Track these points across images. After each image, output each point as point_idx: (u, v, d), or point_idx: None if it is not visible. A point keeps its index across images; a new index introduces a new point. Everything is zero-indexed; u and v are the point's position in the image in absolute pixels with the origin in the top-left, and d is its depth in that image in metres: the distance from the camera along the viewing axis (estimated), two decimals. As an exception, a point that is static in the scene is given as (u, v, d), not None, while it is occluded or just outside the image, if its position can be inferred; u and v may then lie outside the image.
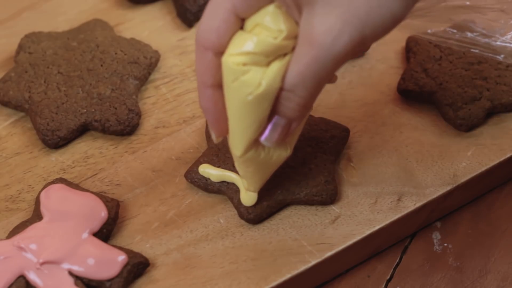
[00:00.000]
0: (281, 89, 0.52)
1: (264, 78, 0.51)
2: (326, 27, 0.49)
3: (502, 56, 0.65)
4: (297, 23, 0.52)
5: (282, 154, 0.57)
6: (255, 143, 0.55)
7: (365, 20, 0.50)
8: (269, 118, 0.54)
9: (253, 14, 0.52)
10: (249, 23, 0.53)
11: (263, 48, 0.51)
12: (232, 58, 0.52)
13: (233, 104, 0.53)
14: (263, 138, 0.54)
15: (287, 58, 0.52)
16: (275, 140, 0.54)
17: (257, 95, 0.52)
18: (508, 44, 0.65)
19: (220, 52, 0.53)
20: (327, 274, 0.62)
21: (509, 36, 0.65)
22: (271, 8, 0.52)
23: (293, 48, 0.52)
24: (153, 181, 0.65)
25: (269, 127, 0.54)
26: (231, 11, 0.52)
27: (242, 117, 0.53)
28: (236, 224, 0.62)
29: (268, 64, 0.52)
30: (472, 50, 0.65)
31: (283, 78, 0.52)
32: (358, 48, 0.51)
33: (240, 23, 0.53)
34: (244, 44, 0.52)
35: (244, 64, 0.51)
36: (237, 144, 0.55)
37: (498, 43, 0.65)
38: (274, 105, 0.53)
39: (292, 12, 0.52)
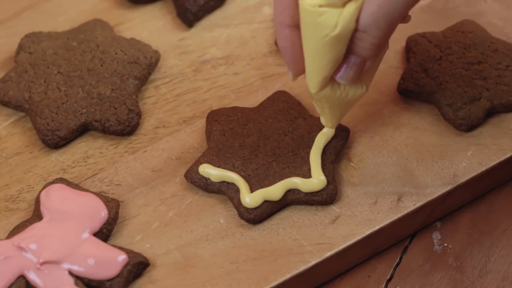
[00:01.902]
0: (355, 29, 0.53)
1: (339, 19, 0.53)
2: None
3: None
4: None
5: (358, 91, 0.59)
6: (330, 80, 0.57)
7: None
8: (344, 57, 0.55)
9: None
10: None
11: None
12: (308, 0, 0.53)
13: (309, 44, 0.55)
14: (338, 76, 0.56)
15: (360, 0, 0.53)
16: (350, 78, 0.56)
17: (333, 36, 0.53)
18: None
19: None
20: (327, 274, 0.62)
21: None
22: None
23: None
24: (153, 181, 0.65)
25: (344, 65, 0.56)
26: None
27: (318, 56, 0.55)
28: (236, 224, 0.62)
29: (343, 5, 0.53)
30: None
31: (357, 18, 0.53)
32: None
33: None
34: None
35: (320, 6, 0.53)
36: (313, 81, 0.57)
37: None
38: (348, 45, 0.54)
39: None
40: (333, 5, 0.53)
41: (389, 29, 0.54)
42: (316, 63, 0.55)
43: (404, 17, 0.54)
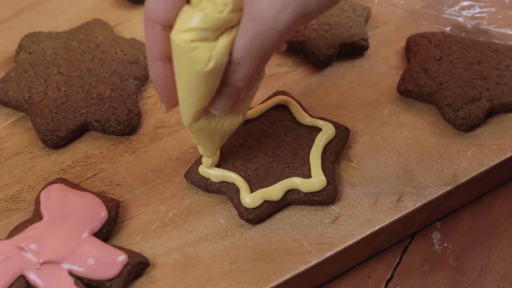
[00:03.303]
0: (228, 61, 0.53)
1: (212, 54, 0.52)
2: (269, 3, 0.50)
3: (449, 28, 0.64)
4: None
5: (234, 120, 0.58)
6: (205, 112, 0.56)
7: None
8: (218, 88, 0.55)
9: None
10: None
11: (209, 23, 0.51)
12: (180, 36, 0.52)
13: (182, 79, 0.54)
14: (213, 108, 0.56)
15: (234, 31, 0.52)
16: (224, 109, 0.56)
17: (206, 71, 0.52)
18: (454, 18, 0.65)
19: (168, 26, 0.53)
20: (327, 274, 0.62)
21: (457, 8, 0.64)
22: None
23: (240, 21, 0.52)
24: (153, 181, 0.65)
25: (219, 97, 0.55)
26: None
27: (192, 90, 0.54)
28: (236, 224, 0.62)
29: (216, 38, 0.52)
30: (418, 23, 0.65)
31: (230, 51, 0.52)
32: (302, 22, 0.51)
33: None
34: (191, 20, 0.52)
35: (192, 41, 0.52)
36: (186, 114, 0.56)
37: (445, 15, 0.65)
38: (222, 76, 0.54)
39: None
40: (206, 39, 0.52)
41: (263, 60, 0.53)
42: (190, 96, 0.54)
43: (278, 48, 0.54)
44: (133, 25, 0.75)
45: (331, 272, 0.62)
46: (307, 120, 0.65)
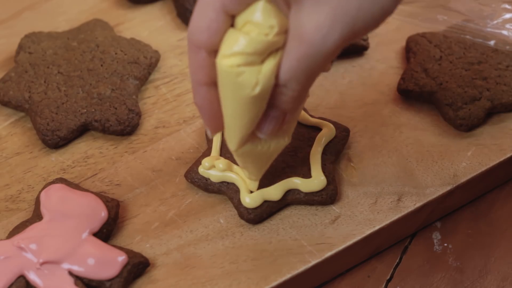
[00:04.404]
0: (275, 84, 0.52)
1: (259, 78, 0.51)
2: (315, 24, 0.49)
3: (493, 42, 0.64)
4: (287, 17, 0.51)
5: (280, 143, 0.57)
6: (251, 136, 0.55)
7: (356, 16, 0.49)
8: (264, 111, 0.54)
9: (242, 11, 0.52)
10: (239, 20, 0.52)
11: (255, 47, 0.51)
12: (225, 61, 0.51)
13: (229, 104, 0.53)
14: (259, 131, 0.54)
15: (279, 53, 0.51)
16: (271, 132, 0.55)
17: (254, 96, 0.51)
18: (497, 31, 0.64)
19: (212, 51, 0.52)
20: (327, 274, 0.62)
21: (500, 21, 0.64)
22: (260, 4, 0.51)
23: (285, 43, 0.51)
24: (153, 181, 0.65)
25: (265, 120, 0.54)
26: (221, 9, 0.51)
27: (238, 115, 0.53)
28: (236, 224, 0.62)
29: (262, 61, 0.51)
30: (462, 36, 0.65)
31: (277, 74, 0.51)
32: (348, 42, 0.51)
33: (231, 20, 0.52)
34: (236, 44, 0.51)
35: (239, 66, 0.51)
36: (233, 140, 0.55)
37: (488, 29, 0.65)
38: (268, 99, 0.53)
39: (281, 7, 0.51)
40: (252, 63, 0.51)
41: (309, 82, 0.52)
42: (237, 121, 0.53)
43: (323, 69, 0.53)
44: (133, 25, 0.75)
45: (331, 272, 0.62)
46: (307, 120, 0.65)
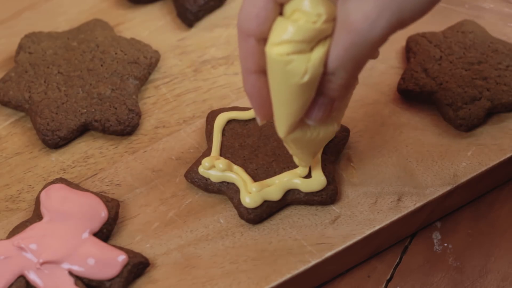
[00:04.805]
0: (323, 72, 0.52)
1: (309, 66, 0.51)
2: (363, 13, 0.50)
3: None
4: (335, 5, 0.52)
5: (329, 129, 0.58)
6: (300, 123, 0.56)
7: (403, 4, 0.50)
8: (313, 99, 0.54)
9: None
10: (288, 8, 0.52)
11: (304, 35, 0.51)
12: (275, 49, 0.51)
13: (278, 91, 0.53)
14: (308, 118, 0.55)
15: (328, 41, 0.52)
16: (319, 119, 0.55)
17: (303, 83, 0.52)
18: None
19: (262, 39, 0.53)
20: (327, 274, 0.62)
21: None
22: None
23: (333, 31, 0.52)
24: (153, 181, 0.65)
25: (314, 107, 0.55)
26: None
27: (287, 103, 0.53)
28: (236, 224, 0.62)
29: (311, 49, 0.52)
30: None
31: (325, 62, 0.52)
32: (396, 30, 0.51)
33: (279, 8, 0.53)
34: (285, 32, 0.51)
35: (288, 54, 0.51)
36: (282, 127, 0.55)
37: None
38: (317, 87, 0.53)
39: None
40: (301, 51, 0.51)
41: (357, 70, 0.53)
42: (286, 109, 0.54)
43: (372, 56, 0.54)
44: (133, 25, 0.75)
45: (331, 272, 0.62)
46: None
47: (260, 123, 0.57)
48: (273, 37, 0.52)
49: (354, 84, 0.56)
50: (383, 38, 0.51)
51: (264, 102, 0.55)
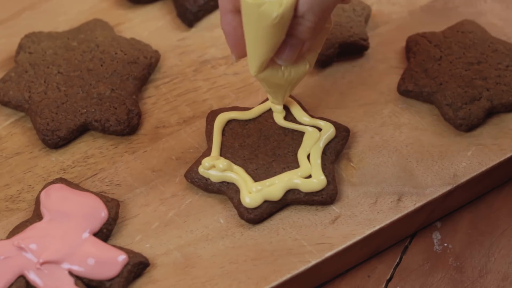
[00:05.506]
0: (293, 15, 0.55)
1: (280, 9, 0.54)
2: None
3: None
4: None
5: (301, 69, 0.61)
6: (271, 62, 0.59)
7: None
8: (283, 40, 0.57)
9: None
10: None
11: None
12: None
13: (250, 32, 0.57)
14: (278, 58, 0.59)
15: None
16: (289, 59, 0.59)
17: (273, 25, 0.55)
18: None
19: None
20: (327, 274, 0.62)
21: None
22: None
23: None
24: (153, 181, 0.65)
25: (283, 48, 0.58)
26: None
27: (259, 42, 0.57)
28: (236, 224, 0.62)
29: None
30: None
31: (296, 5, 0.55)
32: None
33: None
34: None
35: None
36: (253, 65, 0.59)
37: None
38: (287, 29, 0.56)
39: None
40: None
41: (324, 13, 0.56)
42: (257, 48, 0.57)
43: (341, 1, 0.57)
44: (133, 25, 0.75)
45: (331, 272, 0.62)
46: (307, 120, 0.65)
47: (235, 61, 0.61)
48: None
49: (325, 28, 0.59)
50: None
51: (238, 40, 0.59)
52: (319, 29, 0.58)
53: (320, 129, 0.65)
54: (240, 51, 0.60)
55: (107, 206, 0.61)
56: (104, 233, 0.61)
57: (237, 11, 0.57)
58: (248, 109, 0.66)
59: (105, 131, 0.67)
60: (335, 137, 0.64)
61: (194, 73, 0.71)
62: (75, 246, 0.59)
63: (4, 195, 0.64)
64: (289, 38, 0.57)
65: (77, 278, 0.58)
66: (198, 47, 0.73)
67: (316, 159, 0.63)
